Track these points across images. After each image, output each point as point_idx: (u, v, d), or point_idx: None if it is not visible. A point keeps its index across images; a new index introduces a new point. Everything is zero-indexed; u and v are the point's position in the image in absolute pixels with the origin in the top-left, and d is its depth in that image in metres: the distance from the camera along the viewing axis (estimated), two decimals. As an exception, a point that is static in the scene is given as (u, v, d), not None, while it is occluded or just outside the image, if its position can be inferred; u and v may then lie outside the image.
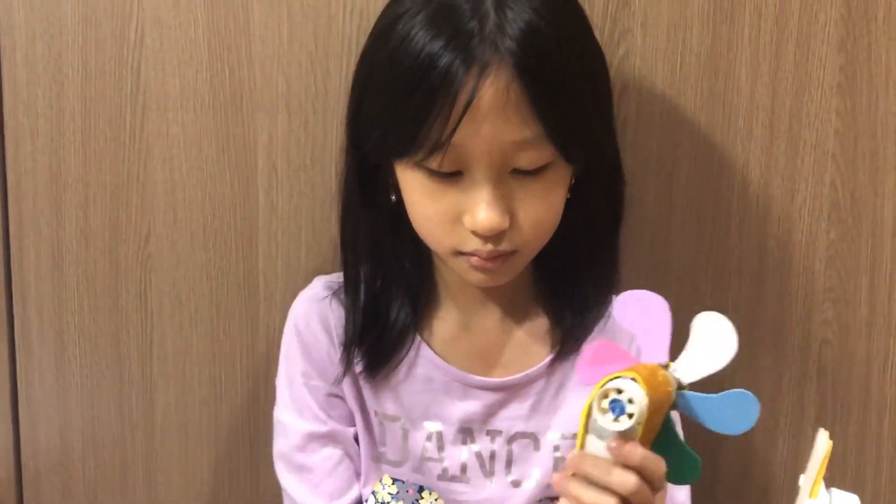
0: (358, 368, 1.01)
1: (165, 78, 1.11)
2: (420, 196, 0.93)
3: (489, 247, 0.91)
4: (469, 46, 0.86)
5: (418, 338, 1.02)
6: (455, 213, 0.91)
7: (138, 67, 1.11)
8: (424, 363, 1.02)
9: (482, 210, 0.89)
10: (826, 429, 1.15)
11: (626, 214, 1.03)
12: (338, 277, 1.04)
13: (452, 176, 0.90)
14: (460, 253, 0.93)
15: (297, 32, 1.09)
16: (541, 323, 1.02)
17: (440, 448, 1.02)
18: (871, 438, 1.17)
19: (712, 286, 1.15)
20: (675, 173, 1.13)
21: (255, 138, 1.11)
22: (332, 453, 1.02)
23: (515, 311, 1.02)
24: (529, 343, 1.02)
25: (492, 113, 0.86)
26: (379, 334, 1.01)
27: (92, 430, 1.17)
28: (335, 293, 1.03)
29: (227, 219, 1.13)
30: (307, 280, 1.08)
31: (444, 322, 1.02)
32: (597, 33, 1.07)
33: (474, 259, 0.92)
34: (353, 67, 1.02)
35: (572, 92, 0.89)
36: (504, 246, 0.91)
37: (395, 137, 0.90)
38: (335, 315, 1.02)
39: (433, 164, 0.89)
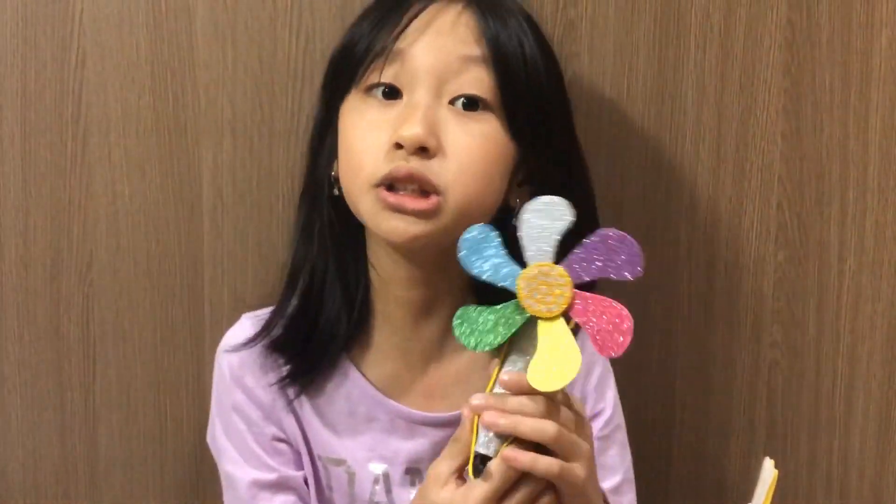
0: (282, 373, 0.97)
1: (107, 101, 1.09)
2: (358, 129, 0.92)
3: (411, 163, 0.88)
4: None
5: (354, 371, 0.98)
6: (385, 139, 0.90)
7: (79, 91, 1.09)
8: (366, 401, 0.98)
9: (410, 120, 0.89)
10: (776, 450, 1.17)
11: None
12: (265, 312, 1.01)
13: (391, 98, 0.91)
14: (378, 186, 0.89)
15: (242, 56, 1.08)
16: None
17: (388, 491, 0.98)
18: (821, 460, 1.18)
19: (662, 308, 1.15)
20: (623, 196, 1.13)
21: (200, 163, 1.10)
22: (285, 500, 0.98)
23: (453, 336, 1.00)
24: (471, 370, 0.98)
25: (441, 26, 0.90)
26: (305, 341, 0.97)
27: (33, 463, 1.14)
28: (265, 330, 0.98)
29: (172, 245, 1.11)
30: (254, 306, 1.06)
31: (381, 353, 0.98)
32: (544, 57, 1.08)
33: (392, 198, 0.88)
34: (299, 90, 1.02)
35: (523, 43, 0.92)
36: (427, 171, 0.88)
37: (342, 63, 0.93)
38: (267, 352, 0.98)
39: (375, 75, 0.90)
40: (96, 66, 1.08)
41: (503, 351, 0.82)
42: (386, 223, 0.90)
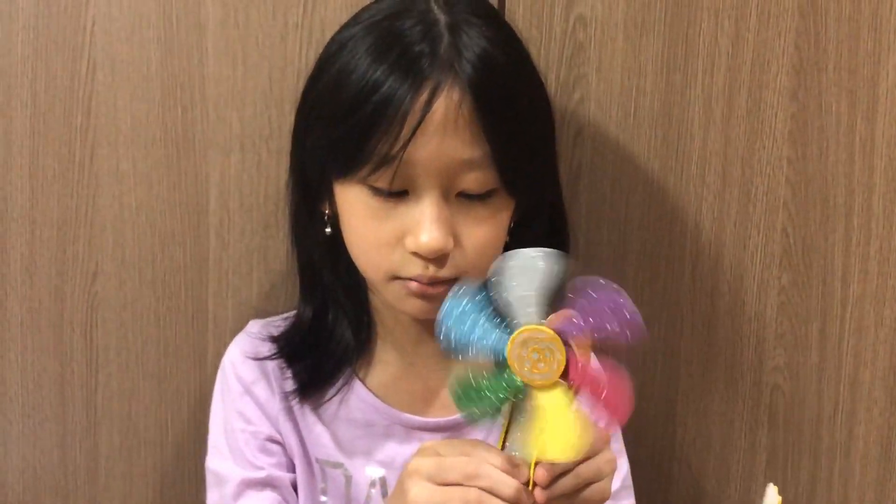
0: (290, 386, 0.98)
1: (116, 114, 1.09)
2: (361, 217, 0.91)
3: (431, 271, 0.89)
4: (421, 65, 0.87)
5: (356, 380, 1.00)
6: (396, 236, 0.90)
7: (89, 102, 1.09)
8: (363, 406, 1.00)
9: (426, 229, 0.88)
10: (777, 475, 1.17)
11: (579, 258, 1.03)
12: (273, 321, 1.03)
13: (397, 196, 0.89)
14: (398, 278, 0.91)
15: (252, 71, 1.09)
16: None
17: (384, 495, 1.00)
18: (822, 485, 1.18)
19: (665, 331, 1.15)
20: (629, 218, 1.13)
21: (207, 177, 1.10)
22: (269, 496, 0.99)
23: None
24: None
25: (443, 128, 0.87)
26: (319, 355, 0.98)
27: (33, 474, 1.14)
28: (271, 336, 1.00)
29: (177, 257, 1.11)
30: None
31: (383, 364, 1.01)
32: (552, 78, 1.09)
33: (413, 284, 0.90)
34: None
35: (521, 118, 0.91)
36: (446, 272, 0.90)
37: (343, 152, 0.89)
38: (277, 364, 0.99)
39: (381, 181, 0.88)
40: (106, 78, 1.09)
41: (508, 411, 0.80)
42: (409, 305, 0.93)
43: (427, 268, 0.89)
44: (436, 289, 0.90)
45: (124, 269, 1.11)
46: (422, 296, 0.91)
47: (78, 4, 1.07)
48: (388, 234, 0.90)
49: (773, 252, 1.14)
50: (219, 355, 1.10)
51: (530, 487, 0.79)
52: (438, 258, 0.89)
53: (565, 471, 0.80)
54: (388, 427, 1.00)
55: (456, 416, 0.99)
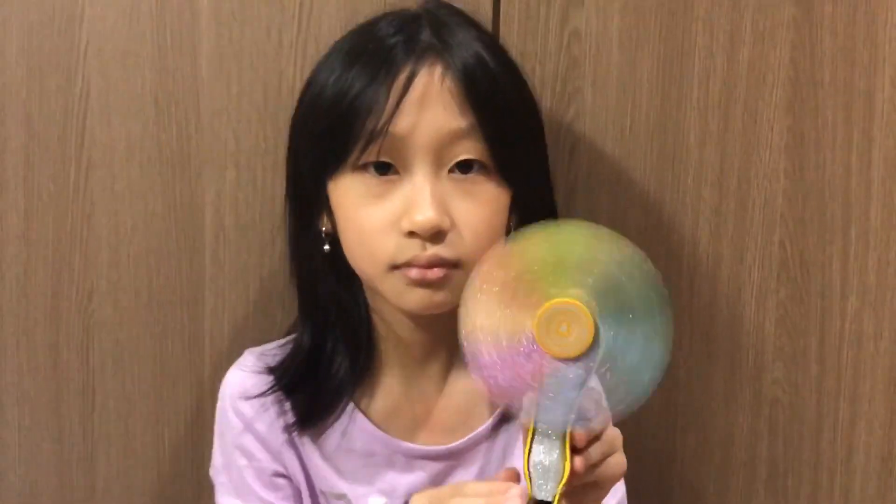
0: (290, 419, 0.98)
1: (111, 132, 1.09)
2: (355, 207, 0.91)
3: (429, 251, 0.89)
4: (406, 46, 0.90)
5: (356, 410, 0.99)
6: (391, 220, 0.89)
7: (83, 122, 1.09)
8: (364, 437, 0.99)
9: (420, 206, 0.88)
10: (777, 488, 1.16)
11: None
12: (269, 349, 1.02)
13: (389, 175, 0.90)
14: (396, 267, 0.90)
15: (247, 88, 1.09)
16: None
17: None
18: (822, 498, 1.17)
19: (663, 345, 1.14)
20: (625, 232, 1.10)
21: (203, 195, 1.10)
22: None
23: (456, 370, 1.00)
24: (472, 404, 1.00)
25: (428, 99, 0.89)
26: (317, 386, 0.97)
27: (30, 495, 1.14)
28: (268, 368, 0.99)
29: (173, 277, 1.11)
30: (255, 339, 1.06)
31: (384, 390, 0.99)
32: (547, 93, 1.09)
33: (413, 271, 0.89)
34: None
35: (505, 96, 0.93)
36: (444, 252, 0.89)
37: (332, 138, 0.91)
38: (276, 397, 0.98)
39: (370, 156, 0.89)
40: (100, 97, 1.08)
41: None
42: (410, 297, 0.91)
43: (424, 247, 0.89)
44: (435, 273, 0.89)
45: (120, 289, 1.11)
46: (422, 282, 0.89)
47: (71, 24, 1.07)
48: (382, 218, 0.90)
49: (771, 265, 1.13)
50: (215, 374, 1.10)
51: (566, 462, 0.78)
52: (435, 235, 0.88)
53: (596, 436, 0.80)
54: (390, 456, 0.99)
55: (457, 442, 0.99)
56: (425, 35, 0.92)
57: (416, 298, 0.91)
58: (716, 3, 1.09)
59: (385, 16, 0.96)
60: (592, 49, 1.09)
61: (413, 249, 0.89)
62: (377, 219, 0.90)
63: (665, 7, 1.09)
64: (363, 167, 0.91)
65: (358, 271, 0.95)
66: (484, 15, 1.07)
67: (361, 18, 0.98)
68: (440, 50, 0.91)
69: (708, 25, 1.10)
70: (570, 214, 1.10)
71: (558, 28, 1.09)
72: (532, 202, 0.95)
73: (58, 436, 1.13)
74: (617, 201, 1.12)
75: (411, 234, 0.89)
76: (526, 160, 0.95)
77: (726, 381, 1.15)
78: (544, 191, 0.99)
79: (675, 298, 1.13)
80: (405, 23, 0.94)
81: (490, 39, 0.98)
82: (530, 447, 0.79)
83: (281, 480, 0.99)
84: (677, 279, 1.13)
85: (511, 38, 1.08)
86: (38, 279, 1.11)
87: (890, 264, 1.13)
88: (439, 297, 0.90)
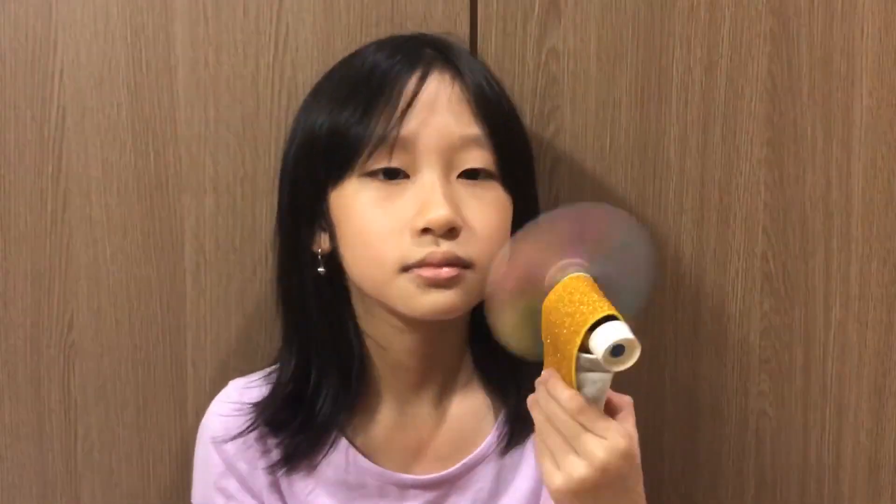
0: (274, 457, 0.96)
1: (88, 160, 1.08)
2: (363, 211, 0.90)
3: (443, 247, 0.88)
4: (411, 59, 0.92)
5: (346, 443, 0.97)
6: (402, 221, 0.88)
7: (59, 150, 1.08)
8: (355, 469, 0.97)
9: (435, 203, 0.88)
10: (766, 500, 1.16)
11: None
12: (253, 380, 0.99)
13: (398, 179, 0.90)
14: (408, 269, 0.88)
15: (224, 113, 1.08)
16: (478, 403, 0.99)
17: None
18: (811, 509, 1.17)
19: (648, 359, 1.14)
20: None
21: (182, 221, 1.09)
22: None
23: (451, 393, 0.99)
24: (466, 430, 0.99)
25: (437, 104, 0.90)
26: (303, 422, 0.95)
27: (13, 527, 1.12)
28: (252, 404, 0.96)
29: (154, 304, 1.10)
30: (238, 367, 1.05)
31: (374, 419, 0.98)
32: (527, 110, 1.09)
33: (426, 270, 0.87)
34: (282, 148, 1.01)
35: (508, 112, 0.95)
36: (459, 250, 0.88)
37: (340, 141, 0.90)
38: (260, 435, 0.96)
39: (380, 160, 0.89)
40: (76, 124, 1.07)
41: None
42: (421, 300, 0.89)
43: (438, 244, 0.88)
44: (448, 272, 0.88)
45: (100, 319, 1.10)
46: (435, 282, 0.88)
47: (45, 51, 1.06)
48: (393, 220, 0.89)
49: (754, 277, 1.13)
50: (199, 402, 1.09)
51: None
52: (449, 232, 0.88)
53: None
54: (382, 487, 0.97)
55: (449, 469, 0.98)
56: (428, 51, 0.93)
57: (429, 301, 0.89)
58: (693, 17, 1.10)
59: (377, 42, 0.97)
60: (570, 66, 1.09)
61: (427, 247, 0.88)
62: (386, 221, 0.89)
63: (642, 22, 1.09)
64: (371, 174, 0.90)
65: (362, 280, 0.93)
66: (461, 34, 1.07)
67: (338, 42, 0.98)
68: (446, 61, 0.93)
69: (685, 40, 1.10)
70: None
71: (536, 46, 1.09)
72: (526, 213, 0.94)
73: (41, 469, 1.11)
74: (599, 217, 1.12)
75: (424, 231, 0.88)
76: (524, 172, 0.97)
77: (712, 394, 1.15)
78: (536, 203, 0.99)
79: (658, 313, 1.14)
80: (402, 43, 0.95)
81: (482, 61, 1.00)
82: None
83: None
84: (661, 294, 1.13)
85: (489, 57, 1.07)
86: (17, 311, 1.09)
87: (872, 274, 1.14)
88: (451, 298, 0.89)
